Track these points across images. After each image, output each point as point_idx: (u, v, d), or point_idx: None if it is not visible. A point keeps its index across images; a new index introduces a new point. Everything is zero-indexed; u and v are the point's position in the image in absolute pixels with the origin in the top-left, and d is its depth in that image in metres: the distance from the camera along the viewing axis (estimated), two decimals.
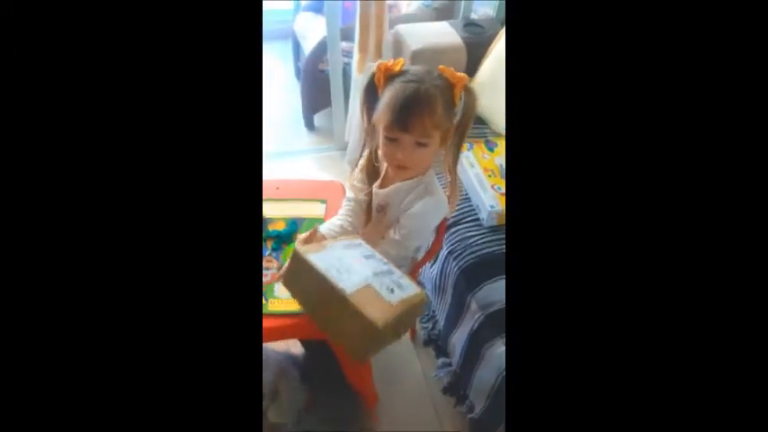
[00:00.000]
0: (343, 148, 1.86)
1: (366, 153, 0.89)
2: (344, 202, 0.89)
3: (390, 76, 0.75)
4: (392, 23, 1.55)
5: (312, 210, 0.98)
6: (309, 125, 2.02)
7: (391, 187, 0.82)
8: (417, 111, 0.70)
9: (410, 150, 0.73)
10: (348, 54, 1.76)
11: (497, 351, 0.87)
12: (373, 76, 0.77)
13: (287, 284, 0.71)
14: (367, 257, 0.71)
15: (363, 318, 0.58)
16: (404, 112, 0.70)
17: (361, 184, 0.88)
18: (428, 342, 1.24)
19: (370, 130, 0.82)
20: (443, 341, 1.17)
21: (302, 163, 1.89)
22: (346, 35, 1.72)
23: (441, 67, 0.76)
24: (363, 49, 1.49)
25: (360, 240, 0.77)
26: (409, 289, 0.67)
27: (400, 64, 0.76)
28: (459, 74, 0.74)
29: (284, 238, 0.91)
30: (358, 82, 1.54)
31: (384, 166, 0.84)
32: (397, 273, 0.70)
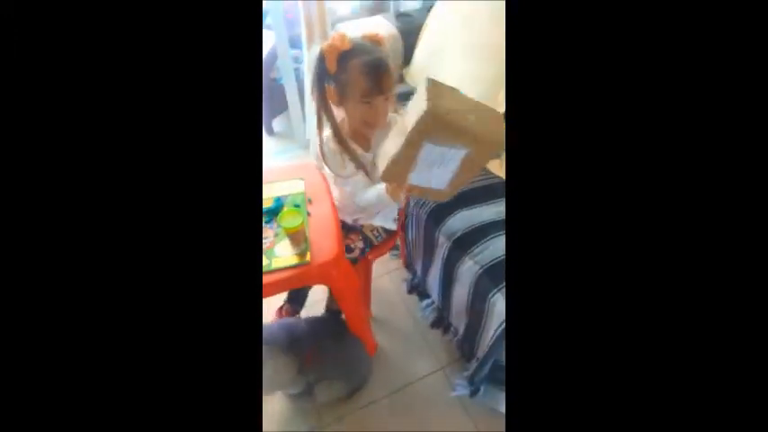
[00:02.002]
0: (306, 146, 2.02)
1: (328, 134, 0.98)
2: (355, 188, 1.03)
3: (342, 55, 0.87)
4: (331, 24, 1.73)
5: (293, 187, 1.13)
6: (269, 130, 2.17)
7: (378, 145, 0.91)
8: (385, 75, 0.87)
9: (382, 108, 0.91)
10: (297, 60, 1.93)
11: (466, 266, 1.05)
12: (322, 58, 0.87)
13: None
14: None
15: None
16: (377, 79, 0.87)
17: (346, 164, 1.00)
18: (411, 290, 1.42)
19: (326, 108, 0.94)
20: (423, 286, 1.35)
21: (270, 165, 2.03)
22: (292, 43, 1.88)
23: (366, 35, 0.90)
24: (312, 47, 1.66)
25: None
26: None
27: (346, 41, 0.86)
28: (379, 35, 0.91)
29: (274, 212, 1.06)
30: None
31: (351, 141, 0.99)
32: None
